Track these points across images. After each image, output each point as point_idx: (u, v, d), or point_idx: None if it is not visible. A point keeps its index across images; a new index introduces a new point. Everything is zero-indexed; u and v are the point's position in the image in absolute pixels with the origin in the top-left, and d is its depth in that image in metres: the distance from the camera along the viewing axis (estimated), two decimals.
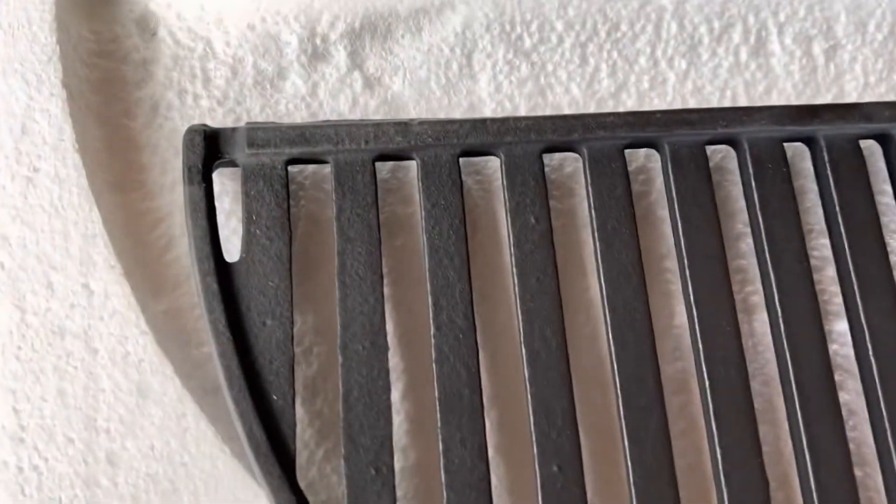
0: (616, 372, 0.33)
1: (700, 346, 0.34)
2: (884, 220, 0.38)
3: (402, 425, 0.34)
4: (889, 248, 0.37)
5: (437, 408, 0.32)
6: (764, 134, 0.36)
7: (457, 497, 0.31)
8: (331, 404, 0.34)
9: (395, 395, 0.34)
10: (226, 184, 0.36)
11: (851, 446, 0.34)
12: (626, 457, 0.32)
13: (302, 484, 0.31)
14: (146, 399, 0.32)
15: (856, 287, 0.36)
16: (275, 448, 0.31)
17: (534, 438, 0.32)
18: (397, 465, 0.33)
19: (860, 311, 0.35)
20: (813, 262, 0.37)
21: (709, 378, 0.34)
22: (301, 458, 0.33)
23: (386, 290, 0.35)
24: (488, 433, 0.34)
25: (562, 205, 0.38)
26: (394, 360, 0.35)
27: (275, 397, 0.31)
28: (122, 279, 0.33)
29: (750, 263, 0.37)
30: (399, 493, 0.33)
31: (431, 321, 0.33)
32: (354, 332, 0.33)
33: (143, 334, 0.33)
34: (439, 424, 0.32)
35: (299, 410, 0.34)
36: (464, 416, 0.32)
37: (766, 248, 0.36)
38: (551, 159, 0.38)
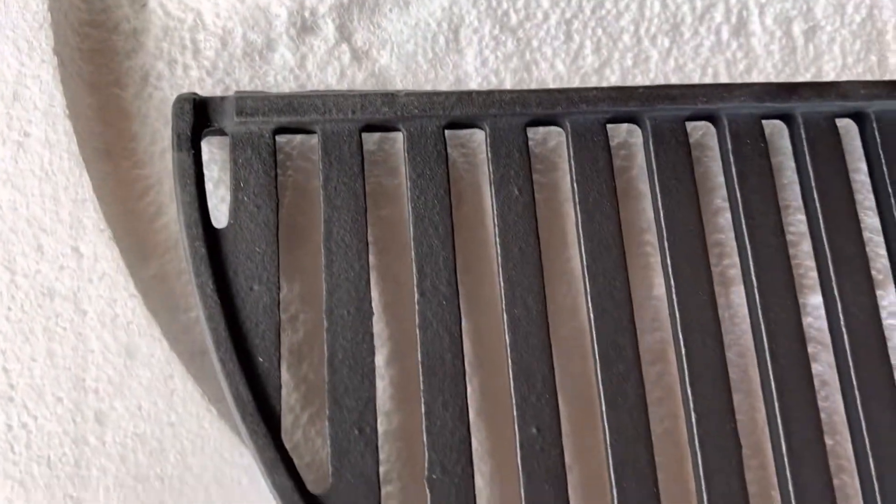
0: (595, 339, 0.34)
1: (677, 316, 0.35)
2: (858, 197, 0.38)
3: (386, 390, 0.35)
4: (863, 225, 0.38)
5: (420, 371, 0.33)
6: (743, 110, 0.37)
7: (438, 458, 0.32)
8: (316, 369, 0.35)
9: (380, 360, 0.35)
10: (214, 152, 0.37)
11: (823, 416, 0.35)
12: (603, 421, 0.33)
13: (287, 446, 0.32)
14: (134, 360, 0.33)
15: (830, 262, 0.36)
16: (260, 408, 0.31)
17: (514, 402, 0.33)
18: (381, 428, 0.34)
19: (833, 285, 0.36)
20: (789, 237, 0.38)
21: (685, 347, 0.34)
22: (286, 422, 0.34)
23: (372, 260, 0.36)
24: (471, 399, 0.34)
25: (545, 178, 0.38)
26: (379, 327, 0.35)
27: (261, 360, 0.32)
28: (112, 243, 0.33)
29: (728, 237, 0.38)
30: (382, 455, 0.34)
31: (415, 288, 0.34)
32: (340, 298, 0.33)
33: (132, 297, 0.33)
34: (422, 387, 0.33)
35: (285, 375, 0.35)
36: (446, 379, 0.33)
37: (743, 221, 0.36)
38: (536, 133, 0.39)
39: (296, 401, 0.35)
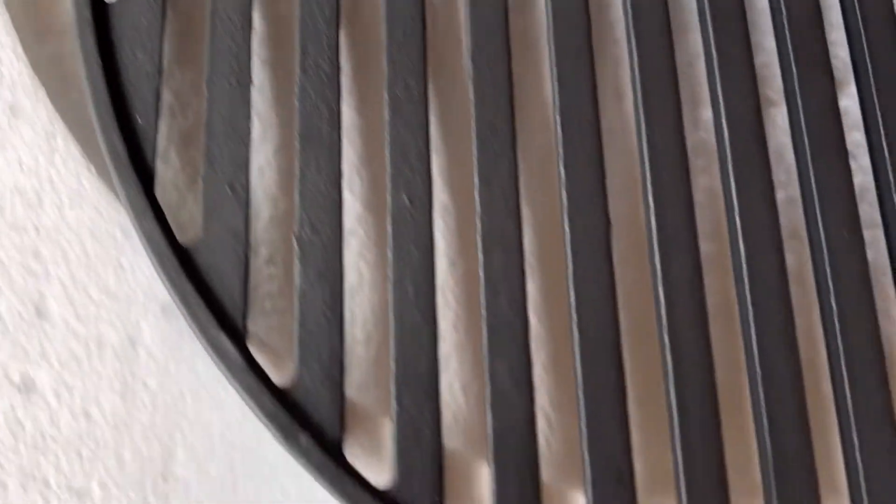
0: (474, 120, 0.35)
1: (560, 120, 0.35)
2: (759, 20, 0.39)
3: (273, 178, 0.36)
4: (761, 46, 0.38)
5: (297, 140, 0.33)
6: None
7: (308, 217, 0.32)
8: (203, 153, 0.36)
9: (270, 150, 0.36)
10: None
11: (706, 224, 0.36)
12: (476, 195, 0.34)
13: (169, 220, 0.33)
14: (18, 118, 0.34)
15: (718, 75, 0.37)
16: (133, 161, 0.32)
17: (388, 171, 0.33)
18: (266, 213, 0.35)
19: (720, 98, 0.37)
20: (686, 57, 0.39)
21: (563, 135, 0.35)
22: (171, 199, 0.35)
23: (265, 53, 0.37)
24: (359, 194, 0.35)
25: None
26: (270, 118, 0.36)
27: (138, 117, 0.33)
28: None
29: (622, 51, 0.39)
30: (266, 237, 0.34)
31: (297, 65, 0.35)
32: (221, 70, 0.34)
33: (19, 59, 0.34)
34: (297, 153, 0.33)
35: (175, 159, 0.35)
36: (322, 148, 0.33)
37: (633, 33, 0.37)
38: None
39: (182, 182, 0.35)
